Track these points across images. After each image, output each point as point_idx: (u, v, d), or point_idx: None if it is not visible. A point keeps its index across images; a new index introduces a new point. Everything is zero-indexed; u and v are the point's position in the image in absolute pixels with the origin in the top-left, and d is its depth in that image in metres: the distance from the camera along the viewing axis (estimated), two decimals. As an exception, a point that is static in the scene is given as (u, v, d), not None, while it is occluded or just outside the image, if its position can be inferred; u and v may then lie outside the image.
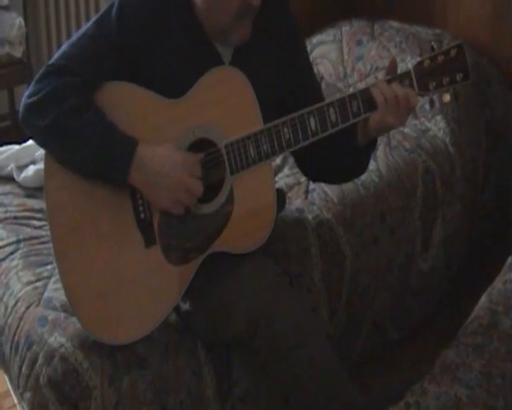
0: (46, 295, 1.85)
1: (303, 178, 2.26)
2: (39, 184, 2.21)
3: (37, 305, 1.82)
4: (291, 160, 2.33)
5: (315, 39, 2.95)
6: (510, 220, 2.58)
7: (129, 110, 1.65)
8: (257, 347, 1.69)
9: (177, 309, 1.77)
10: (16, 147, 2.42)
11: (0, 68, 3.11)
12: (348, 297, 2.14)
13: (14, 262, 1.98)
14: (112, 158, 1.58)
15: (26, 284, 1.89)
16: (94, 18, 1.69)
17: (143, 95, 1.65)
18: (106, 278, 1.65)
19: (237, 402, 1.85)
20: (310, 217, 2.10)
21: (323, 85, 2.71)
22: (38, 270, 1.94)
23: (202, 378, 1.80)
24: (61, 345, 1.69)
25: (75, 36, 1.68)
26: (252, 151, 1.67)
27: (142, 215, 1.66)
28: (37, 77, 1.64)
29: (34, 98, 1.61)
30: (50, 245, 1.67)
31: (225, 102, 1.67)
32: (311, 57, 2.41)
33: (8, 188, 2.32)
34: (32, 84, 1.64)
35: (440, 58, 1.71)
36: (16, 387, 1.79)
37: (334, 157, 1.81)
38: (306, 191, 2.24)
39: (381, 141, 2.44)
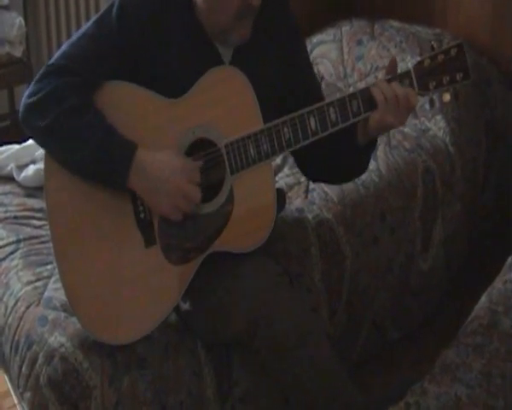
0: (46, 294, 1.85)
1: (303, 178, 2.26)
2: (39, 183, 2.21)
3: (37, 305, 1.82)
4: (291, 159, 2.32)
5: (315, 39, 2.95)
6: (510, 220, 2.58)
7: (129, 110, 1.65)
8: (257, 347, 1.69)
9: (177, 309, 1.77)
10: (16, 147, 2.42)
11: (0, 68, 3.11)
12: (348, 297, 2.14)
13: (14, 262, 1.98)
14: (111, 161, 1.58)
15: (26, 284, 1.89)
16: (94, 17, 1.69)
17: (143, 95, 1.65)
18: (106, 277, 1.65)
19: (237, 402, 1.85)
20: (310, 217, 2.10)
21: (323, 85, 2.71)
22: (38, 270, 1.94)
23: (202, 378, 1.80)
24: (61, 345, 1.69)
25: (75, 35, 1.68)
26: (252, 151, 1.67)
27: (142, 215, 1.66)
28: (37, 77, 1.64)
29: (34, 98, 1.61)
30: (50, 245, 1.67)
31: (225, 101, 1.67)
32: (311, 57, 2.41)
33: (8, 187, 2.32)
34: (32, 83, 1.64)
35: (440, 57, 1.71)
36: (16, 387, 1.79)
37: (334, 157, 1.81)
38: (306, 191, 2.24)
39: (381, 141, 2.44)
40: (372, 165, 2.23)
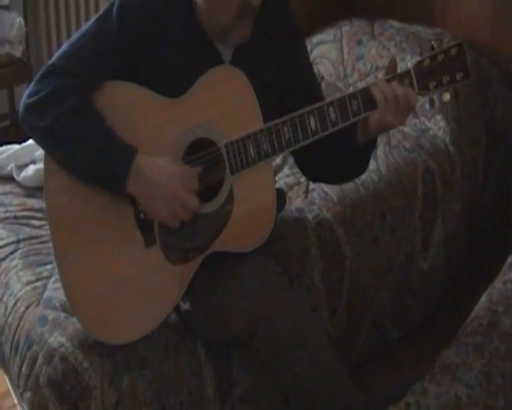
0: (46, 294, 1.85)
1: (303, 178, 2.26)
2: (39, 183, 2.21)
3: (37, 305, 1.82)
4: (291, 159, 2.32)
5: (315, 39, 2.95)
6: (510, 220, 2.58)
7: (129, 110, 1.65)
8: (257, 346, 1.69)
9: (177, 309, 1.77)
10: (16, 146, 2.42)
11: (0, 68, 3.11)
12: (348, 297, 2.14)
13: (14, 262, 1.98)
14: (110, 164, 1.58)
15: (26, 284, 1.89)
16: (94, 17, 1.69)
17: (143, 94, 1.65)
18: (106, 277, 1.65)
19: (237, 402, 1.85)
20: (310, 217, 2.10)
21: (323, 85, 2.71)
22: (38, 270, 1.94)
23: (202, 378, 1.80)
24: (61, 345, 1.69)
25: (75, 35, 1.68)
26: (252, 151, 1.67)
27: (142, 215, 1.66)
28: (37, 77, 1.64)
29: (34, 98, 1.61)
30: (50, 245, 1.67)
31: (225, 101, 1.67)
32: (311, 57, 2.41)
33: (8, 187, 2.32)
34: (33, 83, 1.64)
35: (440, 57, 1.71)
36: (16, 387, 1.79)
37: (334, 157, 1.81)
38: (306, 191, 2.24)
39: (381, 140, 2.44)
40: (372, 165, 2.23)
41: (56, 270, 1.72)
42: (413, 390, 1.52)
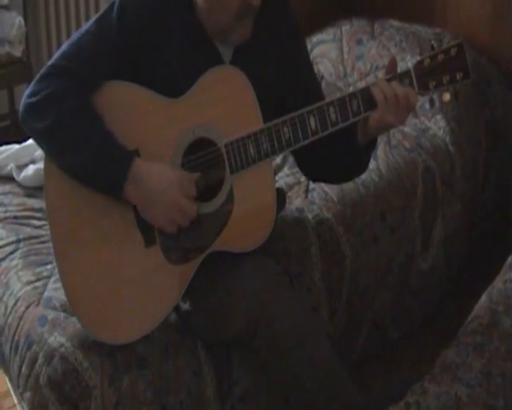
0: (46, 294, 1.85)
1: (303, 178, 2.26)
2: (39, 183, 2.21)
3: (37, 305, 1.82)
4: (291, 159, 2.32)
5: (315, 38, 2.95)
6: (510, 220, 2.58)
7: (129, 110, 1.65)
8: (257, 346, 1.69)
9: (177, 309, 1.77)
10: (16, 146, 2.42)
11: (0, 68, 3.11)
12: (348, 297, 2.14)
13: (14, 262, 1.98)
14: (107, 169, 1.58)
15: (26, 284, 1.89)
16: (94, 17, 1.69)
17: (143, 94, 1.65)
18: (106, 277, 1.65)
19: (237, 402, 1.85)
20: (310, 216, 2.10)
21: (323, 85, 2.71)
22: (38, 269, 1.94)
23: (202, 378, 1.80)
24: (61, 345, 1.69)
25: (75, 35, 1.68)
26: (252, 150, 1.67)
27: (142, 215, 1.66)
28: (37, 77, 1.64)
29: (34, 99, 1.61)
30: (50, 245, 1.67)
31: (225, 101, 1.67)
32: (311, 56, 2.41)
33: (7, 187, 2.32)
34: (33, 83, 1.64)
35: (440, 57, 1.70)
36: (16, 387, 1.79)
37: (334, 156, 1.81)
38: (306, 191, 2.24)
39: (381, 140, 2.43)
40: (372, 164, 2.23)
41: (56, 270, 1.72)
42: (413, 390, 1.52)
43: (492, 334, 1.63)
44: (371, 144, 1.78)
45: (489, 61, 2.68)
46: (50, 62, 1.65)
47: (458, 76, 1.72)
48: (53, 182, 1.64)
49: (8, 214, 2.17)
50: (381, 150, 2.41)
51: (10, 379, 1.89)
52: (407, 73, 1.70)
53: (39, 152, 2.33)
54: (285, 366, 1.71)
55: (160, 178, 1.60)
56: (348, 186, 2.19)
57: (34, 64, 3.30)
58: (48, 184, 1.64)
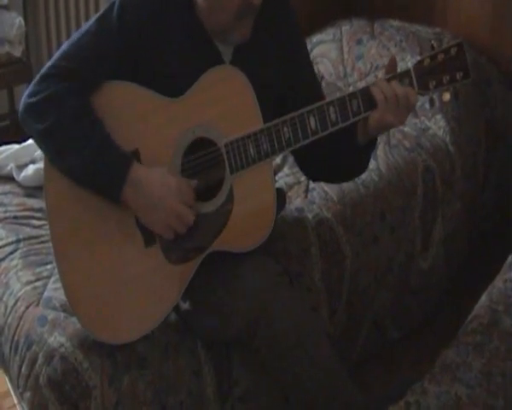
0: (46, 294, 1.85)
1: (303, 178, 2.26)
2: (39, 183, 2.21)
3: (37, 305, 1.82)
4: (291, 159, 2.32)
5: (315, 38, 2.95)
6: (510, 220, 2.58)
7: (129, 110, 1.64)
8: (257, 346, 1.69)
9: (176, 309, 1.77)
10: (16, 146, 2.42)
11: (0, 68, 3.11)
12: (348, 297, 2.14)
13: (14, 262, 1.98)
14: (105, 173, 1.58)
15: (26, 284, 1.89)
16: (94, 17, 1.69)
17: (143, 94, 1.65)
18: (106, 277, 1.65)
19: (237, 401, 1.85)
20: (310, 216, 2.10)
21: (323, 85, 2.71)
22: (38, 269, 1.94)
23: (202, 378, 1.80)
24: (61, 345, 1.69)
25: (75, 35, 1.68)
26: (251, 150, 1.66)
27: (142, 215, 1.66)
28: (37, 77, 1.64)
29: (33, 99, 1.60)
30: (50, 245, 1.67)
31: (225, 101, 1.67)
32: (311, 56, 2.41)
33: (7, 187, 2.32)
34: (33, 83, 1.63)
35: (440, 57, 1.70)
36: (16, 387, 1.79)
37: (334, 156, 1.81)
38: (306, 190, 2.24)
39: (381, 140, 2.44)
40: (372, 164, 2.23)
41: (56, 270, 1.72)
42: (413, 390, 1.52)
43: (492, 333, 1.63)
44: (371, 144, 1.78)
45: (489, 61, 2.68)
46: (50, 63, 1.65)
47: (458, 76, 1.72)
48: (53, 182, 1.64)
49: (8, 214, 2.17)
50: (380, 150, 2.41)
51: (10, 379, 1.88)
52: (407, 72, 1.70)
53: (39, 152, 2.33)
54: (285, 365, 1.71)
55: (157, 184, 1.60)
56: (348, 186, 2.19)
57: (34, 64, 3.30)
58: (48, 184, 1.64)
